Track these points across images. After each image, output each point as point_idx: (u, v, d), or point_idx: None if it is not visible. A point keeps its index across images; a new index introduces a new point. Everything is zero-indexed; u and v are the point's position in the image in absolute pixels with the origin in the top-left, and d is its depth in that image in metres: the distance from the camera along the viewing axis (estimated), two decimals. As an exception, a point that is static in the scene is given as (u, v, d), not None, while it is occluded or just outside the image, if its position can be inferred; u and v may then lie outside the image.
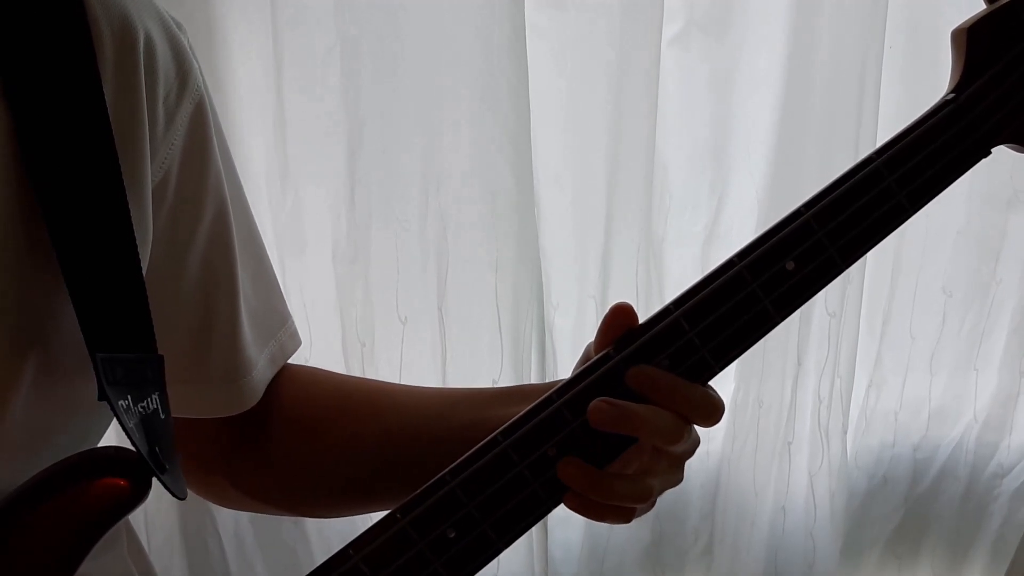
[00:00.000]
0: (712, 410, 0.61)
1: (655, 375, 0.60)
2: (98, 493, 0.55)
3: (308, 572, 0.61)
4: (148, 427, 0.57)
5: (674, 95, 1.07)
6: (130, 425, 0.54)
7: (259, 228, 0.98)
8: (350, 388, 0.82)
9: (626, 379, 0.60)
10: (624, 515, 0.62)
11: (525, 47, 1.01)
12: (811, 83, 1.07)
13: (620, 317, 0.62)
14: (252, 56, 0.98)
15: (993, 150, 0.64)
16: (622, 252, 1.09)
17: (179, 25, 0.65)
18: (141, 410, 0.56)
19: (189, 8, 0.93)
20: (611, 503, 0.61)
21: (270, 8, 0.96)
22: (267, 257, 0.77)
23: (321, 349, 1.06)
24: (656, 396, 0.60)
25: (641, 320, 0.61)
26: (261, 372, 0.74)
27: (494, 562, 1.14)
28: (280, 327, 0.77)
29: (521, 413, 0.61)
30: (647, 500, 0.62)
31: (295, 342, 0.79)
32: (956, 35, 0.65)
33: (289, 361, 0.79)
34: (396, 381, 1.08)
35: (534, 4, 1.02)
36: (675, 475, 0.64)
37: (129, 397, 0.56)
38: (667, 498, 1.21)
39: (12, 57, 0.53)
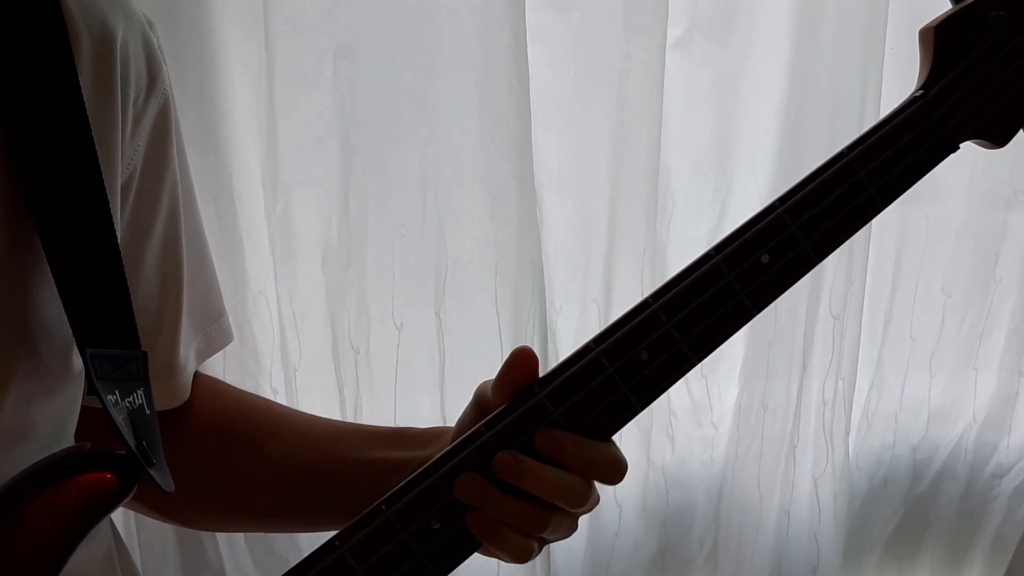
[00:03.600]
0: (617, 470, 0.63)
1: (562, 438, 0.61)
2: (86, 488, 0.55)
3: (295, 563, 0.62)
4: (135, 422, 0.57)
5: (676, 99, 1.07)
6: (119, 420, 0.55)
7: (254, 233, 0.98)
8: (258, 407, 0.83)
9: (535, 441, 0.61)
10: (520, 550, 0.62)
11: (526, 50, 1.00)
12: (814, 87, 1.07)
13: (522, 362, 0.62)
14: (245, 60, 0.96)
15: (961, 146, 0.66)
16: (625, 256, 1.09)
17: (150, 23, 0.65)
18: (128, 405, 0.57)
19: (181, 12, 0.92)
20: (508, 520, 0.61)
21: (263, 12, 0.94)
22: (209, 252, 0.77)
23: (310, 359, 1.05)
24: (563, 457, 0.61)
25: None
26: (191, 368, 0.75)
27: (495, 566, 1.15)
28: (211, 323, 0.78)
29: (500, 410, 0.62)
30: (542, 527, 0.62)
31: (224, 339, 0.80)
32: (924, 34, 0.67)
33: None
34: (392, 388, 1.08)
35: (535, 6, 1.01)
36: (570, 527, 0.65)
37: (117, 392, 0.56)
38: (672, 505, 1.21)
39: None
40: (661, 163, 1.08)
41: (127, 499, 0.57)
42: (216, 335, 0.78)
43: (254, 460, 0.77)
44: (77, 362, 0.59)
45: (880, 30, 1.07)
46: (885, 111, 1.08)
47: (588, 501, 0.63)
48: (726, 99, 1.08)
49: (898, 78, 1.11)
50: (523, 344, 1.09)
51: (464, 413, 0.68)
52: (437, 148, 1.01)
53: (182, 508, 0.80)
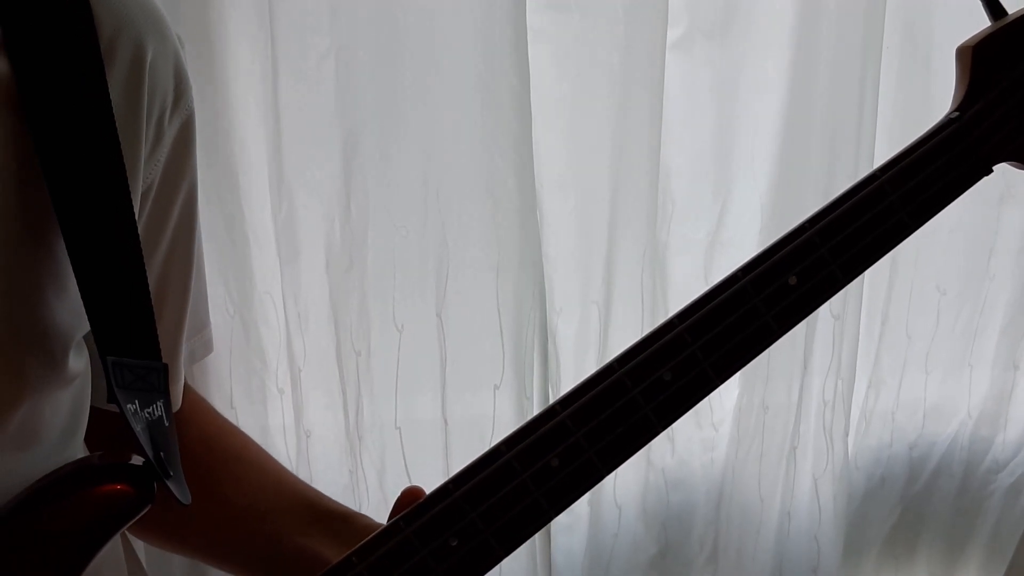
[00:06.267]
0: None
1: None
2: (102, 499, 0.55)
3: None
4: (153, 433, 0.58)
5: (677, 100, 1.06)
6: (137, 429, 0.56)
7: (260, 234, 0.98)
8: (235, 435, 0.84)
9: None
10: None
11: (527, 50, 1.00)
12: (814, 87, 1.07)
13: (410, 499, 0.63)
14: (249, 61, 0.96)
15: (995, 168, 0.65)
16: (625, 258, 1.09)
17: (181, 41, 0.66)
18: (147, 416, 0.57)
19: (186, 14, 0.91)
20: None
21: (268, 13, 0.94)
22: (203, 262, 0.77)
23: (315, 359, 1.05)
24: None
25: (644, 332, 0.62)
26: (183, 374, 0.76)
27: (496, 569, 1.15)
28: (197, 333, 0.78)
29: (521, 428, 0.62)
30: None
31: (205, 350, 0.80)
32: (961, 53, 0.66)
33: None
34: (393, 389, 1.07)
35: (535, 7, 1.00)
36: None
37: (136, 402, 0.57)
38: (672, 506, 1.22)
39: (28, 72, 0.53)
40: (661, 164, 1.07)
41: (144, 511, 0.56)
42: (199, 345, 0.79)
43: (214, 496, 0.76)
44: (76, 361, 0.59)
45: (878, 29, 1.07)
46: (883, 112, 1.10)
47: None
48: (726, 99, 1.08)
49: (895, 78, 1.11)
50: (524, 343, 1.09)
51: None
52: (438, 149, 1.01)
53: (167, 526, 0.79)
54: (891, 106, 1.12)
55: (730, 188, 1.11)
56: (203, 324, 0.79)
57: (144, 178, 0.63)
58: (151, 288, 0.68)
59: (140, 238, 0.64)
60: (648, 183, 1.06)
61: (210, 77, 0.94)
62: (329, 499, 0.79)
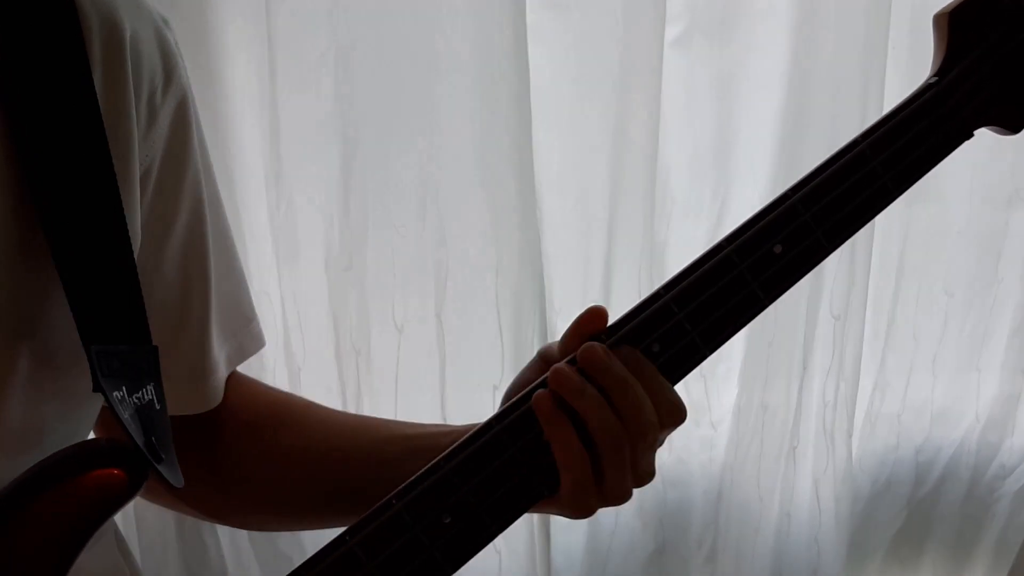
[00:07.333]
0: (679, 413, 0.64)
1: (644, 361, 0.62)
2: (94, 484, 0.55)
3: (304, 560, 0.61)
4: (144, 418, 0.57)
5: (676, 98, 1.06)
6: (125, 416, 0.55)
7: (257, 234, 0.98)
8: (298, 402, 0.83)
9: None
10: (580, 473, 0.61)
11: (526, 49, 1.00)
12: (814, 86, 1.06)
13: (595, 320, 0.63)
14: (246, 60, 0.96)
15: (976, 133, 0.66)
16: (624, 256, 1.08)
17: (166, 21, 0.66)
18: (136, 401, 0.57)
19: (184, 12, 0.92)
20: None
21: (265, 12, 0.94)
22: (237, 254, 0.77)
23: (314, 359, 1.05)
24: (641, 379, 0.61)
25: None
26: (222, 372, 0.75)
27: (496, 567, 1.15)
28: (243, 327, 0.77)
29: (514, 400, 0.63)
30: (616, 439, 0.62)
31: (256, 344, 0.79)
32: (938, 19, 0.66)
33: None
34: (393, 389, 1.07)
35: (535, 6, 1.00)
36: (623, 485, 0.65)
37: (124, 388, 0.56)
38: (670, 504, 1.21)
39: (3, 53, 0.53)
40: (660, 163, 1.07)
41: (134, 497, 0.56)
42: (248, 340, 0.78)
43: (292, 451, 0.76)
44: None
45: (883, 29, 1.07)
46: (887, 109, 1.08)
47: (649, 433, 0.62)
48: (725, 98, 1.08)
49: (900, 74, 1.10)
50: (524, 342, 1.08)
51: (523, 371, 0.68)
52: (437, 148, 1.01)
53: (231, 510, 0.80)
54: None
55: (729, 186, 1.10)
56: (248, 318, 0.78)
57: (141, 160, 0.62)
58: (174, 281, 0.68)
59: (141, 222, 0.64)
60: (647, 182, 1.06)
61: (208, 77, 0.94)
62: (419, 425, 0.77)
